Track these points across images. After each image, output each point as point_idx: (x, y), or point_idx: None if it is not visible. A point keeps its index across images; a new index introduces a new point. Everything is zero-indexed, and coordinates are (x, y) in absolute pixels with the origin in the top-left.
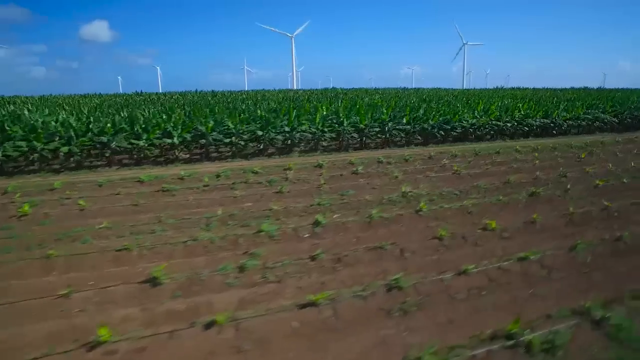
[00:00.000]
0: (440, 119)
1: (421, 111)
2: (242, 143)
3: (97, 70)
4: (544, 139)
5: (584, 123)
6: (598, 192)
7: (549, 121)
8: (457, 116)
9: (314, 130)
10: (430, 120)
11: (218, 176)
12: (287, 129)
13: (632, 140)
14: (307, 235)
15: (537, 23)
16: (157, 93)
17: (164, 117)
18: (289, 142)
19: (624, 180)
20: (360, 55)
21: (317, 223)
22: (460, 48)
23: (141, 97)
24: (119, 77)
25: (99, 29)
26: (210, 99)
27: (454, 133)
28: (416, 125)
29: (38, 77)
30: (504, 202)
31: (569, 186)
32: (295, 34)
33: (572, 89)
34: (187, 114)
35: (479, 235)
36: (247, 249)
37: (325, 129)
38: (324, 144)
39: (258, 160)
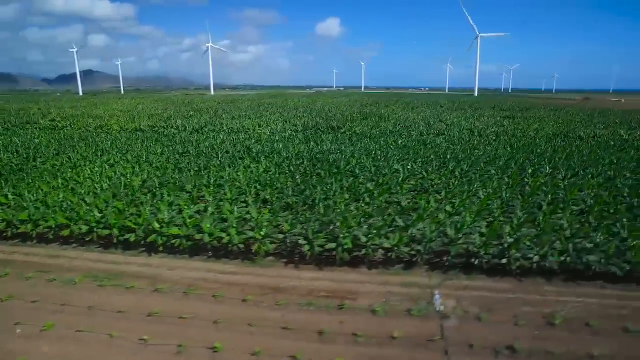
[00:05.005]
0: None
1: None
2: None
3: (326, 62)
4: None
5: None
6: None
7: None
8: None
9: None
10: None
11: None
12: None
13: None
14: None
15: None
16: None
17: None
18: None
19: None
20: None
21: None
22: None
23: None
24: (334, 71)
25: (331, 26)
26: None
27: None
28: None
29: (282, 69)
30: None
31: None
32: (480, 35)
33: None
34: None
35: None
36: None
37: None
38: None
39: None
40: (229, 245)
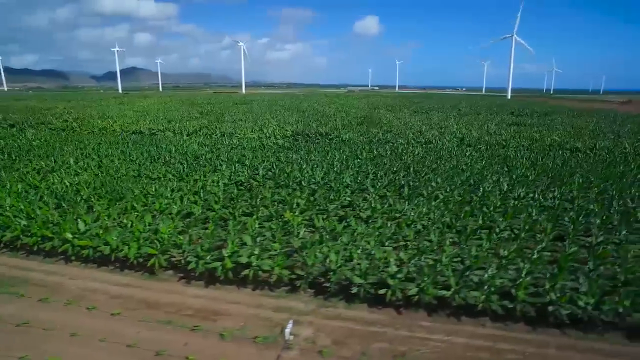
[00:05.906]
0: None
1: None
2: None
3: (363, 61)
4: None
5: None
6: None
7: None
8: None
9: None
10: None
11: None
12: None
13: None
14: None
15: None
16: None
17: None
18: None
19: None
20: None
21: None
22: None
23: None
24: (370, 70)
25: (369, 24)
26: None
27: None
28: None
29: (320, 68)
30: None
31: None
32: (515, 30)
33: None
34: None
35: None
36: None
37: None
38: None
39: None
40: (131, 258)
